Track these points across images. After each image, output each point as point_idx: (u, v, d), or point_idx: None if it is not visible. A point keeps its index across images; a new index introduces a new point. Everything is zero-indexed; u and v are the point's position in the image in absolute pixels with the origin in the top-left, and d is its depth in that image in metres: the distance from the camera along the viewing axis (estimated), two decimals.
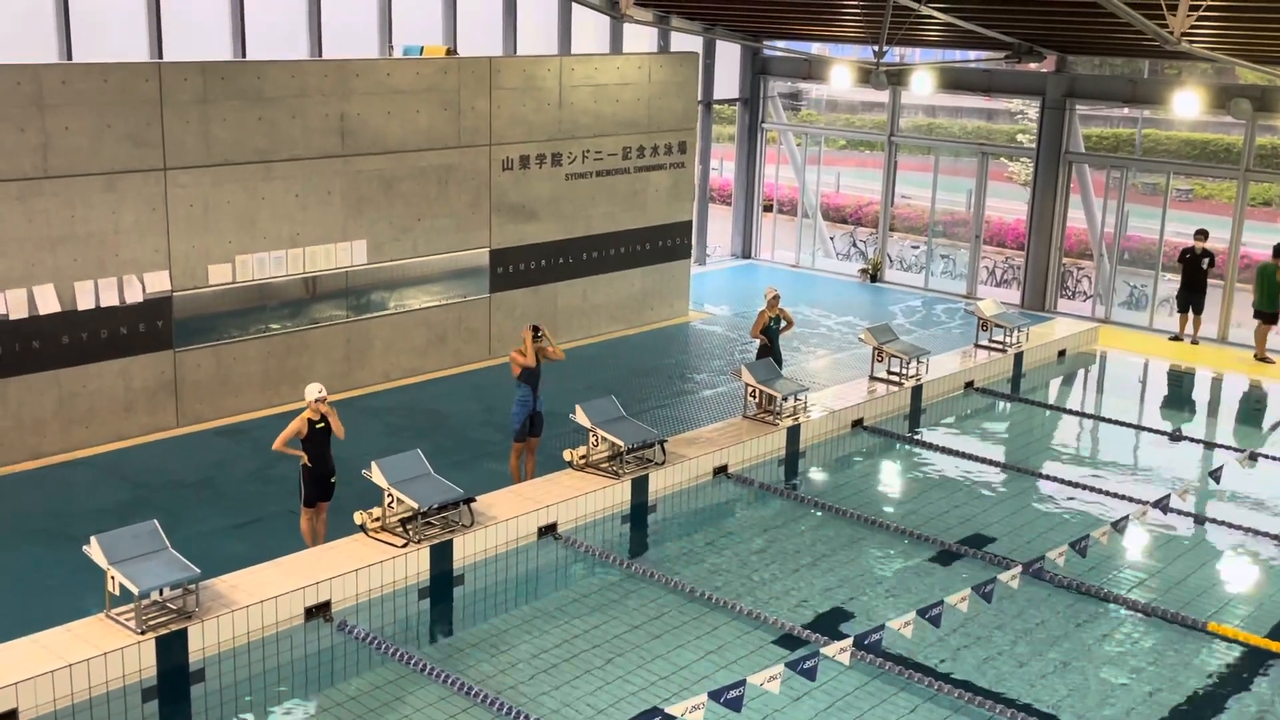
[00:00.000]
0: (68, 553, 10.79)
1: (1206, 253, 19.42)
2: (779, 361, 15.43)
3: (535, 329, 12.79)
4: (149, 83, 13.94)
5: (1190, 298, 19.65)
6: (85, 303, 13.76)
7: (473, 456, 14.02)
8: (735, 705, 8.02)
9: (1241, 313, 20.18)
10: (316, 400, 10.90)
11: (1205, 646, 10.40)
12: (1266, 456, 14.66)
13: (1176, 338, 19.97)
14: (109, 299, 13.93)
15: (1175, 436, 15.93)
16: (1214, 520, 13.05)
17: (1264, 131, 20.65)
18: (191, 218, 14.49)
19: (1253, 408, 17.79)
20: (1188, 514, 13.05)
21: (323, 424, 10.96)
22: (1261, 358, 19.00)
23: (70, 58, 15.45)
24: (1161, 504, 12.28)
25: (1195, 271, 19.45)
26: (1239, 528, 12.77)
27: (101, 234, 13.79)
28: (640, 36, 22.46)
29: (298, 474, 11.18)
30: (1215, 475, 13.50)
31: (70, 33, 15.50)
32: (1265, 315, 18.94)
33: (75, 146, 13.47)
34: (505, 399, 15.53)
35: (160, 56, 16.16)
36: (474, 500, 11.53)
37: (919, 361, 16.41)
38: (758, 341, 15.65)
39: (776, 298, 15.30)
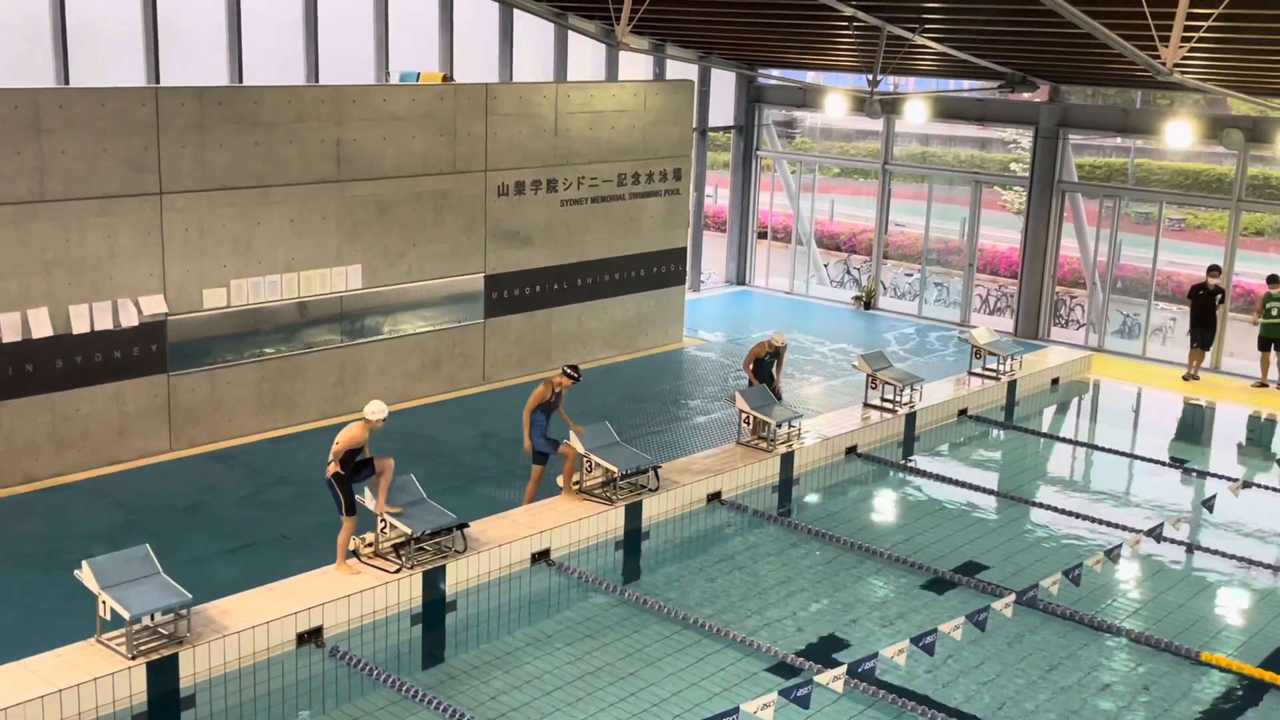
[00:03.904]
0: (59, 577, 10.74)
1: (1219, 289, 18.93)
2: (776, 393, 15.39)
3: (575, 373, 12.72)
4: (146, 107, 13.98)
5: (1203, 334, 19.05)
6: (80, 326, 13.75)
7: (466, 482, 14.01)
8: None
9: (1234, 343, 20.21)
10: (382, 419, 10.83)
11: (1198, 676, 10.39)
12: (1259, 486, 14.69)
13: (1191, 376, 19.24)
14: (103, 323, 13.92)
15: (1176, 466, 15.94)
16: (1207, 549, 13.05)
17: (1256, 162, 20.76)
18: (187, 242, 14.51)
19: (1247, 436, 17.83)
20: (1181, 542, 13.06)
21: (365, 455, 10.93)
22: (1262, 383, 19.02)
23: (67, 81, 15.50)
24: (1155, 532, 12.29)
25: (1208, 308, 18.89)
26: (1232, 557, 12.76)
27: (97, 258, 13.80)
28: (636, 64, 22.56)
29: (331, 488, 10.81)
30: (1208, 504, 13.51)
31: (68, 57, 15.55)
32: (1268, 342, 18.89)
33: (71, 170, 13.50)
34: (499, 425, 15.58)
35: (157, 81, 16.22)
36: (467, 526, 11.51)
37: (913, 389, 16.44)
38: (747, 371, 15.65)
39: (784, 347, 15.37)
